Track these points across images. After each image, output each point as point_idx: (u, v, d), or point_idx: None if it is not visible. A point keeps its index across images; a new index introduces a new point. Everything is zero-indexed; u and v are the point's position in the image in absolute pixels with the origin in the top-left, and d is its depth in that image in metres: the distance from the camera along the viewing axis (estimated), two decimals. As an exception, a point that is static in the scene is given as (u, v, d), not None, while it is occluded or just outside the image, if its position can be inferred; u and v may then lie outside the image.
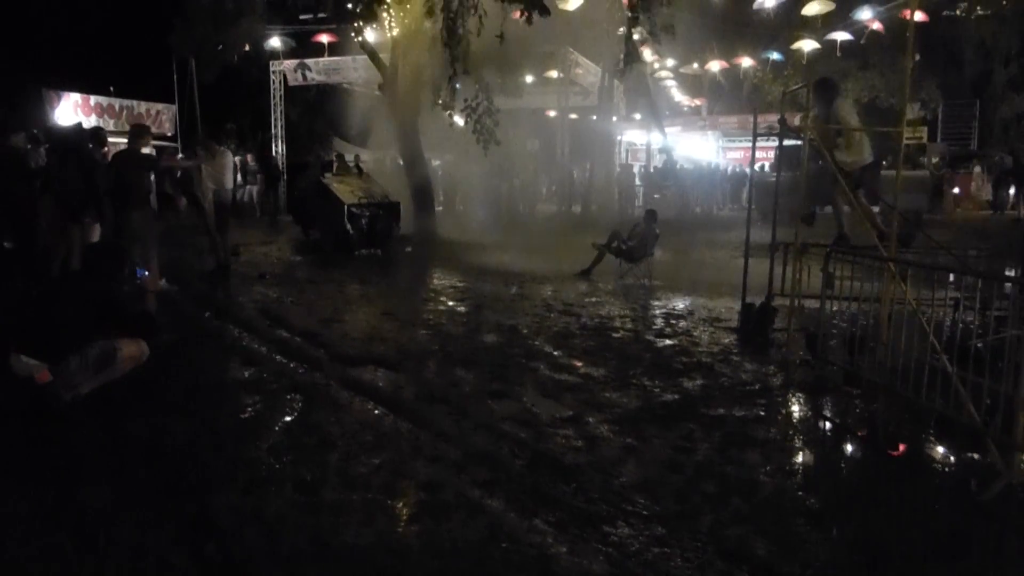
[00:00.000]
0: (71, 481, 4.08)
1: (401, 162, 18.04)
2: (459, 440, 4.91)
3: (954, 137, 32.55)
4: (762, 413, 5.74)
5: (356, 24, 14.55)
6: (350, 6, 13.80)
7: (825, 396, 6.23)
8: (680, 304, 10.31)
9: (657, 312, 9.67)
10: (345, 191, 14.49)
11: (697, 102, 36.57)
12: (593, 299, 10.52)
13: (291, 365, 6.52)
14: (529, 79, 24.07)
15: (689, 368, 6.93)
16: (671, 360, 7.23)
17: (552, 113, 30.20)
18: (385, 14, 13.42)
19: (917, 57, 27.72)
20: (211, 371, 6.32)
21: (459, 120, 18.80)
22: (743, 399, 6.03)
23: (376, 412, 5.43)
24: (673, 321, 9.11)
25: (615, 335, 8.26)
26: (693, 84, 35.60)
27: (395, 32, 14.65)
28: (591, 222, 19.85)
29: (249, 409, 5.36)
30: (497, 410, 5.53)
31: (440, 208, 19.12)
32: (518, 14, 18.92)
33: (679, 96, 36.01)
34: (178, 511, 3.80)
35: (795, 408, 6.02)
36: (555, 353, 7.33)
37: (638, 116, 31.60)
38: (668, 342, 8.02)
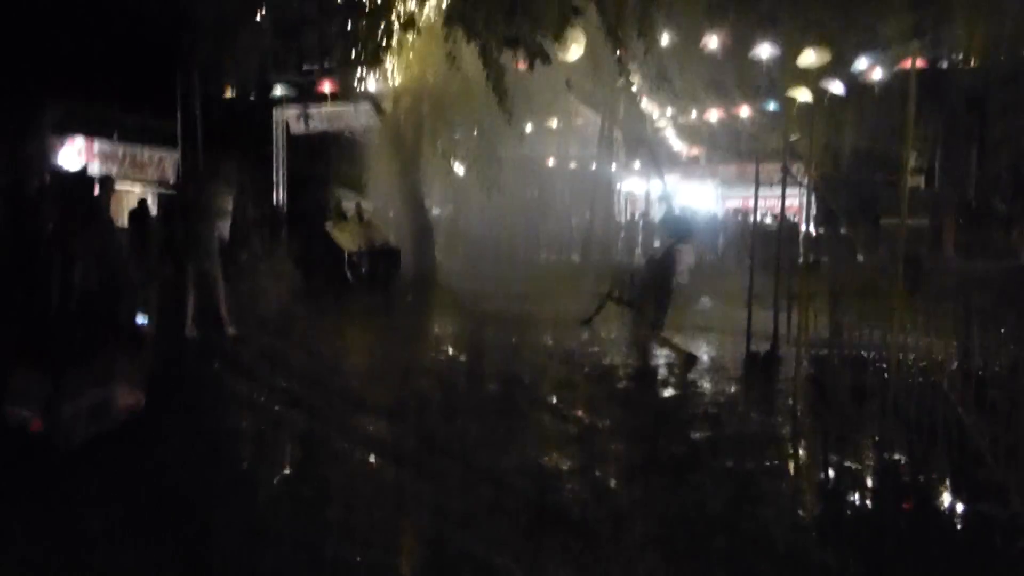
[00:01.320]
0: (59, 535, 3.93)
1: (401, 209, 18.07)
2: (463, 493, 4.77)
3: (952, 185, 32.70)
4: (773, 464, 5.60)
5: (360, 71, 14.66)
6: (355, 54, 13.87)
7: (835, 446, 6.09)
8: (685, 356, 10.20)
9: (660, 361, 9.55)
10: (346, 238, 14.48)
11: (695, 151, 36.86)
12: (595, 348, 10.40)
13: (290, 413, 6.39)
14: (528, 128, 24.25)
15: (695, 418, 6.80)
16: (676, 410, 7.11)
17: (551, 162, 30.50)
18: (388, 62, 13.52)
19: (914, 107, 28.01)
20: (208, 419, 6.18)
21: (459, 168, 18.93)
22: (752, 451, 5.89)
23: (377, 463, 5.29)
24: (677, 370, 8.99)
25: (618, 384, 8.14)
26: (691, 133, 35.93)
27: (397, 80, 14.75)
28: (591, 270, 19.81)
29: (246, 460, 5.22)
30: (501, 461, 5.39)
31: (440, 255, 19.09)
32: (520, 64, 19.13)
33: (677, 145, 36.31)
34: (170, 568, 3.65)
35: (806, 460, 5.88)
36: (558, 402, 7.20)
37: (637, 164, 31.81)
38: (672, 391, 7.90)
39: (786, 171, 8.11)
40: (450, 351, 9.61)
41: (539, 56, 12.18)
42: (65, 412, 4.51)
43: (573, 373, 8.49)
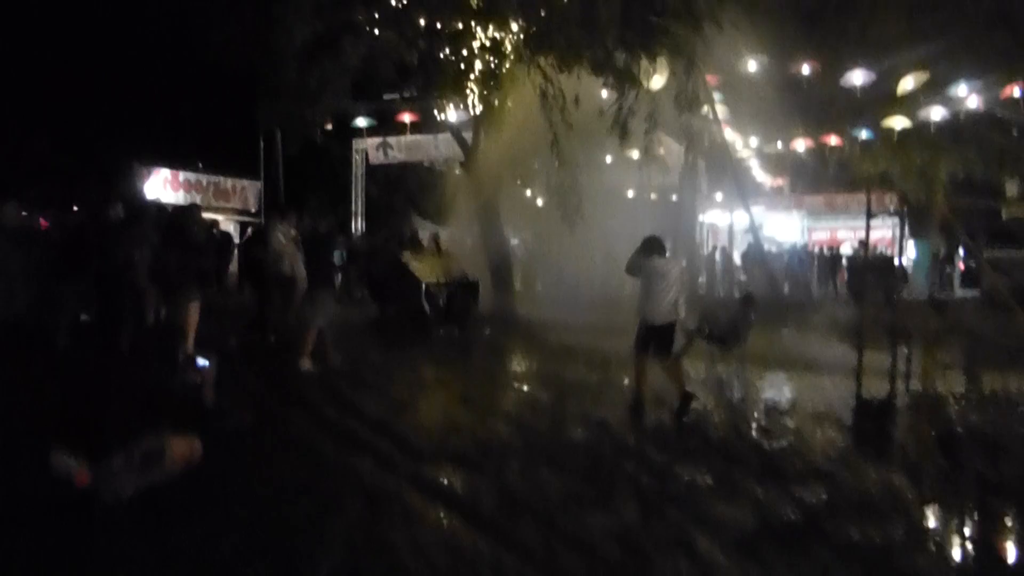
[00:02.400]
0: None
1: (479, 240, 17.71)
2: (548, 564, 4.19)
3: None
4: (903, 536, 4.86)
5: (440, 101, 14.39)
6: (436, 82, 13.61)
7: (971, 515, 5.30)
8: (781, 396, 9.43)
9: (758, 405, 8.81)
10: (423, 269, 14.10)
11: (779, 182, 35.68)
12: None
13: (359, 462, 5.90)
14: (608, 159, 23.72)
15: (805, 475, 6.08)
16: (783, 465, 6.39)
17: (631, 192, 29.84)
18: (470, 91, 13.19)
19: (1015, 132, 26.43)
20: (270, 469, 5.73)
21: (539, 199, 18.53)
22: (877, 517, 5.15)
23: (453, 525, 4.75)
24: (777, 416, 8.25)
25: (715, 432, 7.45)
26: (775, 163, 34.81)
27: (479, 110, 14.42)
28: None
29: (309, 518, 4.73)
30: (590, 525, 4.79)
31: (519, 287, 18.65)
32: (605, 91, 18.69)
33: (760, 176, 35.23)
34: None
35: (940, 531, 5.11)
36: (651, 453, 6.56)
37: (720, 196, 30.90)
38: (777, 442, 7.17)
39: (904, 200, 7.30)
40: (533, 392, 9.02)
41: (628, 80, 11.66)
42: (115, 462, 4.10)
43: (663, 419, 7.83)
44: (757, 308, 11.79)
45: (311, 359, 8.99)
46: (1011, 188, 28.18)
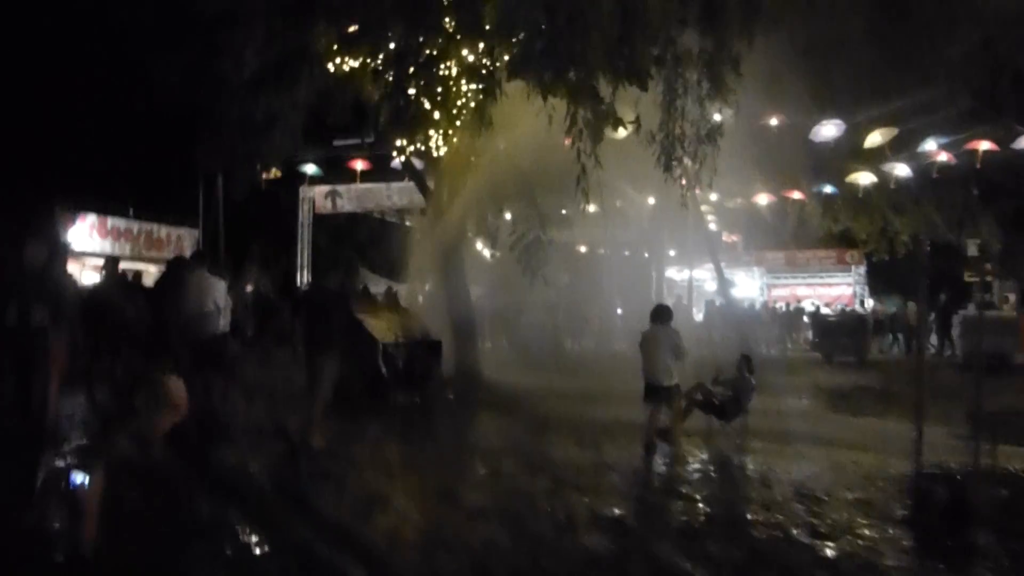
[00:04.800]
0: None
1: (439, 295, 16.31)
2: None
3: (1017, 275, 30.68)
4: None
5: (400, 144, 13.04)
6: (402, 116, 12.30)
7: None
8: (807, 478, 8.10)
9: (787, 492, 7.45)
10: (380, 327, 12.58)
11: (734, 237, 35.12)
12: (694, 470, 8.40)
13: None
14: (564, 211, 22.61)
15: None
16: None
17: (589, 246, 28.91)
18: (436, 130, 11.91)
19: (975, 192, 26.21)
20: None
21: (491, 251, 17.32)
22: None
23: None
24: (816, 508, 6.91)
25: (756, 532, 6.09)
26: (732, 218, 34.29)
27: (442, 152, 13.13)
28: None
29: None
30: None
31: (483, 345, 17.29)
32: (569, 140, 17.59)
33: (715, 230, 34.64)
34: None
35: None
36: (691, 568, 5.16)
37: (673, 252, 30.02)
38: (831, 545, 5.83)
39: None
40: (520, 480, 7.50)
41: (609, 116, 10.51)
42: None
43: (671, 505, 6.48)
44: (754, 370, 10.62)
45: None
46: (972, 248, 27.91)
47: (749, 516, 6.54)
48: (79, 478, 3.13)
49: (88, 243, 19.64)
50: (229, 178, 17.43)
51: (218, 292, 9.23)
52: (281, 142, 14.12)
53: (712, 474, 8.44)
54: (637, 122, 11.30)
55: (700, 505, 6.82)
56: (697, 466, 8.60)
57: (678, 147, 10.92)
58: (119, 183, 21.81)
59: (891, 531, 6.23)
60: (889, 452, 9.56)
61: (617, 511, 6.41)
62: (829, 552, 5.69)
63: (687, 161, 16.99)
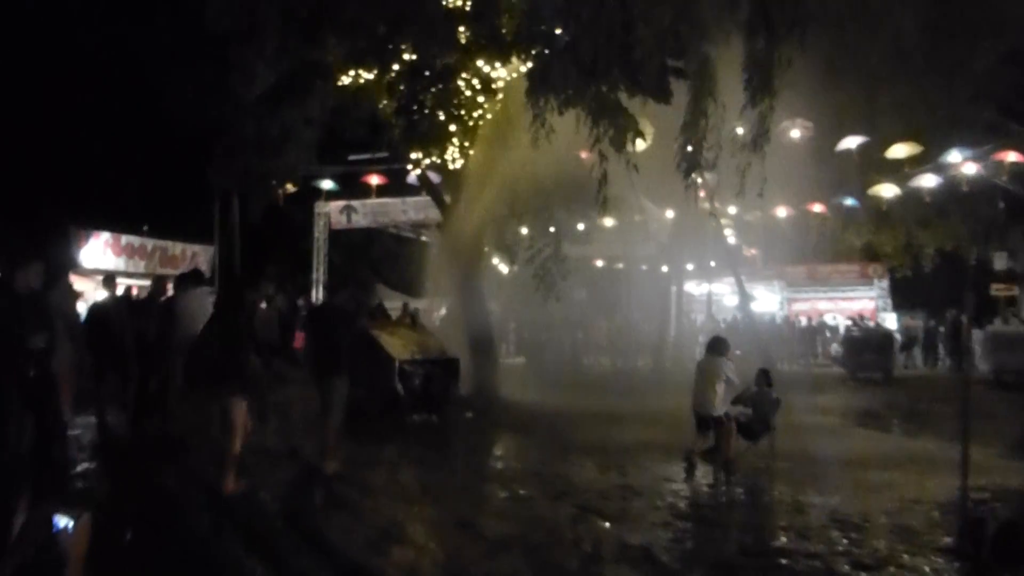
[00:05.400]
0: None
1: (456, 312, 16.04)
2: None
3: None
4: None
5: (416, 158, 12.81)
6: (417, 130, 12.09)
7: None
8: (841, 503, 7.70)
9: (821, 518, 7.07)
10: (396, 344, 12.31)
11: (753, 251, 34.62)
12: (724, 494, 8.05)
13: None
14: (581, 227, 22.26)
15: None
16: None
17: (610, 260, 28.54)
18: (452, 143, 11.67)
19: (1001, 205, 25.66)
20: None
21: (509, 267, 17.05)
22: None
23: None
24: (854, 535, 6.53)
25: (796, 566, 5.72)
26: (751, 232, 33.83)
27: (458, 165, 12.88)
28: (667, 380, 17.48)
29: None
30: None
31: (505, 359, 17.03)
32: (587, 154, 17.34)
33: (736, 244, 34.16)
34: None
35: None
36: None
37: (712, 264, 29.61)
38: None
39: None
40: (546, 507, 7.14)
41: (631, 131, 10.21)
42: None
43: (702, 533, 6.14)
44: (772, 383, 10.20)
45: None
46: (999, 262, 27.35)
47: (785, 545, 6.17)
48: (63, 522, 2.82)
49: (102, 260, 19.48)
50: (244, 197, 17.32)
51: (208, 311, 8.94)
52: (295, 158, 13.95)
53: (742, 498, 8.09)
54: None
55: (733, 533, 6.46)
56: (726, 490, 8.24)
57: (705, 157, 10.50)
58: (133, 200, 21.73)
59: (932, 562, 5.86)
60: (926, 473, 9.18)
61: (644, 540, 6.06)
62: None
63: (710, 173, 16.71)
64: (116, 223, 20.33)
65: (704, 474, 8.87)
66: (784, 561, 5.82)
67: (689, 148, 11.13)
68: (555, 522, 6.55)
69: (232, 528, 5.82)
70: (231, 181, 15.15)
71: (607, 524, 6.50)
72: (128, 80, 19.05)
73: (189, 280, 9.36)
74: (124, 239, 20.40)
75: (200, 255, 22.72)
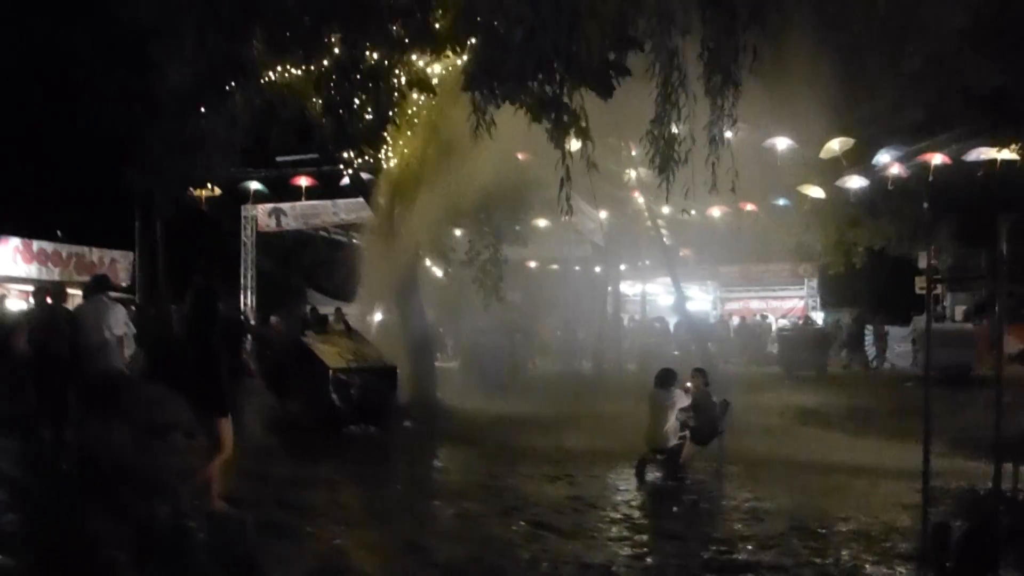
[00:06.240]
0: None
1: (392, 318, 15.53)
2: None
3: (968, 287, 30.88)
4: None
5: (348, 158, 12.27)
6: (339, 138, 11.55)
7: None
8: (798, 509, 7.51)
9: (780, 525, 6.86)
10: (330, 353, 11.76)
11: (685, 251, 34.82)
12: (679, 503, 7.78)
13: None
14: (517, 228, 21.97)
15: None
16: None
17: (541, 261, 28.29)
18: (385, 141, 11.18)
19: (925, 205, 26.26)
20: None
21: (444, 270, 16.70)
22: None
23: None
24: (815, 543, 6.33)
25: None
26: (683, 231, 33.98)
27: (392, 165, 12.39)
28: (609, 382, 17.32)
29: None
30: None
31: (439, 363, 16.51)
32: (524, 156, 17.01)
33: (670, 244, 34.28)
34: None
35: None
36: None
37: (647, 263, 29.59)
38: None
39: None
40: (498, 526, 6.70)
41: (574, 124, 9.85)
42: None
43: (661, 548, 5.85)
44: (710, 383, 9.97)
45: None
46: (923, 261, 28.01)
47: (748, 558, 5.90)
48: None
49: (12, 267, 18.39)
50: (158, 198, 16.45)
51: (114, 319, 8.25)
52: (216, 160, 13.22)
53: (697, 507, 7.83)
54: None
55: (693, 546, 6.16)
56: (682, 498, 7.99)
57: (677, 151, 10.11)
58: (46, 204, 20.56)
59: (902, 570, 5.67)
60: (877, 474, 9.10)
61: (604, 558, 5.72)
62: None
63: (645, 170, 16.53)
64: (27, 228, 19.20)
65: (655, 480, 8.64)
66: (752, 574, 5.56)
67: (661, 143, 10.71)
68: (508, 541, 6.15)
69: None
70: (144, 182, 14.29)
71: (563, 541, 6.13)
72: (39, 78, 17.95)
73: (91, 287, 8.71)
74: (36, 245, 19.31)
75: (119, 261, 21.67)
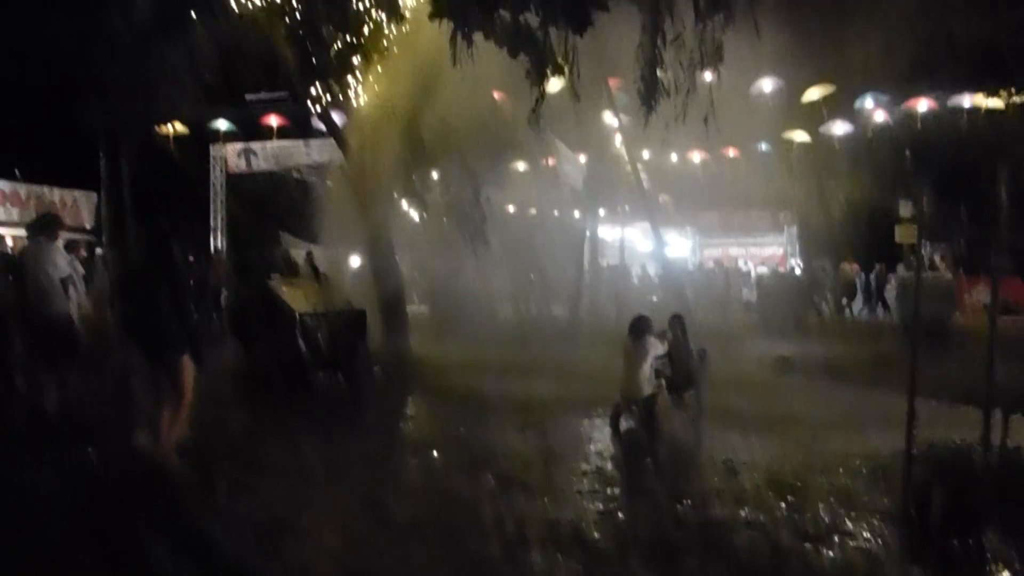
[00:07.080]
0: None
1: (365, 263, 15.13)
2: None
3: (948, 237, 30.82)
4: None
5: (316, 94, 11.73)
6: (307, 71, 11.01)
7: None
8: (774, 462, 7.31)
9: (759, 480, 6.64)
10: (297, 297, 11.35)
11: (665, 197, 34.47)
12: (653, 456, 7.57)
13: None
14: (498, 168, 21.53)
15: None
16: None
17: (519, 205, 27.86)
18: (354, 76, 10.65)
19: (908, 153, 26.01)
20: None
21: (419, 213, 16.32)
22: None
23: None
24: (792, 499, 6.12)
25: (736, 536, 5.24)
26: (664, 176, 33.59)
27: (362, 102, 11.86)
28: (585, 329, 17.11)
29: None
30: None
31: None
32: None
33: (648, 189, 33.87)
34: None
35: None
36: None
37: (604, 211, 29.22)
38: (827, 553, 5.03)
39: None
40: (469, 481, 6.41)
41: (550, 63, 9.43)
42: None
43: (635, 505, 5.63)
44: (686, 331, 9.72)
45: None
46: (904, 210, 27.82)
47: (722, 515, 5.68)
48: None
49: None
50: (121, 136, 15.85)
51: (57, 261, 7.83)
52: (178, 97, 12.64)
53: (671, 460, 7.62)
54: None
55: (665, 502, 5.94)
56: (656, 450, 7.77)
57: (662, 82, 9.68)
58: (3, 143, 19.75)
59: (880, 530, 5.47)
60: (855, 425, 8.91)
61: (572, 515, 5.49)
62: (815, 556, 4.89)
63: (625, 115, 16.05)
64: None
65: (629, 430, 8.41)
66: (723, 533, 5.34)
67: (646, 70, 10.22)
68: (473, 498, 5.88)
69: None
70: (107, 121, 13.69)
71: (531, 497, 5.88)
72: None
73: (34, 227, 8.15)
74: (-5, 185, 18.66)
75: (82, 202, 21.00)
